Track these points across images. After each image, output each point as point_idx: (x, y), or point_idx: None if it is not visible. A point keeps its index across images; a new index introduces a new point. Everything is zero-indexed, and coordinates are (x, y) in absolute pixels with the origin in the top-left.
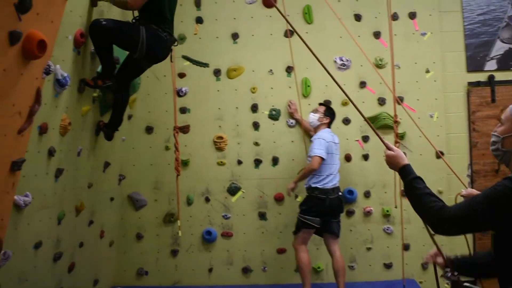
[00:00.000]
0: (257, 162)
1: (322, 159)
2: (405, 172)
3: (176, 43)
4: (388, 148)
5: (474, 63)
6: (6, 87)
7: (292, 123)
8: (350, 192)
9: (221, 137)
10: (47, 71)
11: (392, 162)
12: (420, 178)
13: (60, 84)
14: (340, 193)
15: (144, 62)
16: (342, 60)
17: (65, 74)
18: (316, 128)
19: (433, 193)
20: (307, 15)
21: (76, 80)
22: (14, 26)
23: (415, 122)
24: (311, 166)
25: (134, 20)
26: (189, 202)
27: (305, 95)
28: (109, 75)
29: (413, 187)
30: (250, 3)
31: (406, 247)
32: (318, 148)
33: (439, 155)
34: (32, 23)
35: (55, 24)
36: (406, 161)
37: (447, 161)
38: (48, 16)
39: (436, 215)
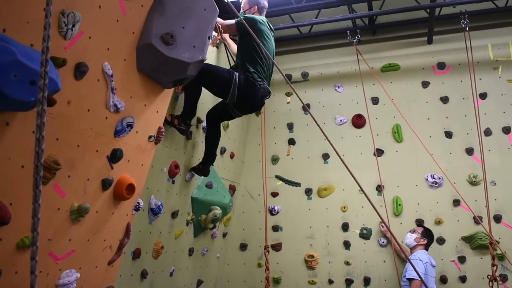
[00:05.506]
0: (349, 282)
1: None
2: None
3: (269, 96)
4: None
5: None
6: (98, 226)
7: (383, 242)
8: None
9: (312, 256)
10: (137, 208)
11: None
12: None
13: (154, 212)
14: None
15: (235, 110)
16: (434, 178)
17: (159, 203)
18: (412, 249)
19: None
20: (397, 134)
21: (170, 206)
22: (106, 174)
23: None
24: None
25: (231, 69)
26: None
27: (396, 214)
28: (187, 120)
29: None
30: (340, 125)
31: None
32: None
33: None
34: (123, 169)
35: (145, 167)
36: None
37: None
38: (139, 161)
39: None
